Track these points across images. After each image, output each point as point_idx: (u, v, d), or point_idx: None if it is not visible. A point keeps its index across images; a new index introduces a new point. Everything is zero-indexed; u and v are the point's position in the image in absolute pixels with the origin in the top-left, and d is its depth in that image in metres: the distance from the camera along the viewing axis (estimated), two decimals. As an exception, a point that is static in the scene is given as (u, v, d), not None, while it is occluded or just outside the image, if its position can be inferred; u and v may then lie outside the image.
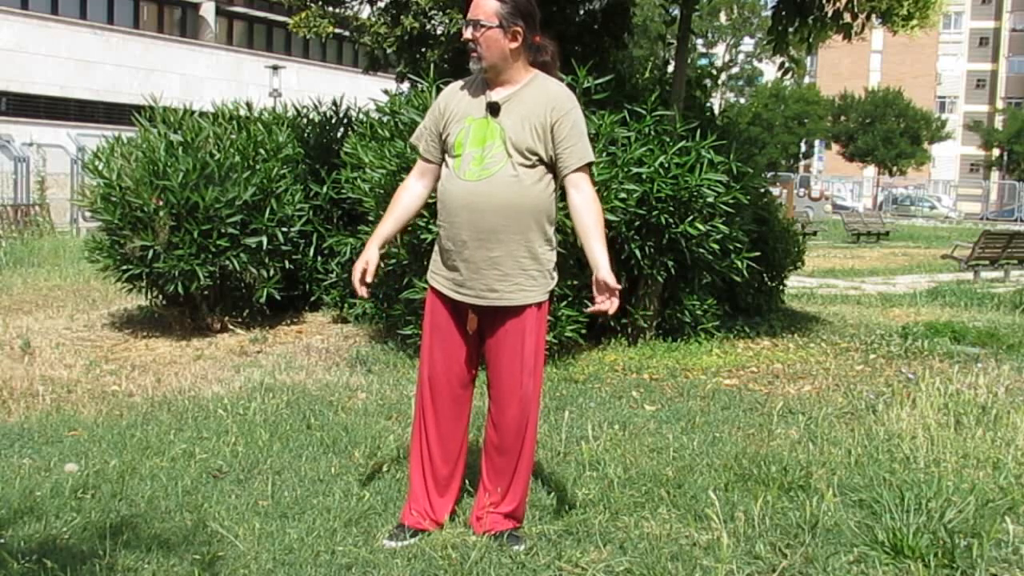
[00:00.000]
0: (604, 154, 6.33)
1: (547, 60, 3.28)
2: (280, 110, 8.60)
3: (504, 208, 3.14)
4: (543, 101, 3.18)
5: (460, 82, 3.34)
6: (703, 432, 4.79)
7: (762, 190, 8.28)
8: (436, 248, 3.35)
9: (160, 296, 7.32)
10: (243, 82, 31.06)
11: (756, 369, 6.48)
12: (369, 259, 3.32)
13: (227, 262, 6.93)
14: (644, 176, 6.48)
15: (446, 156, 3.28)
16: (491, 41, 3.14)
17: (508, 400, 3.26)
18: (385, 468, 4.04)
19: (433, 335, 3.33)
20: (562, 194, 3.28)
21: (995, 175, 60.75)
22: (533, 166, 3.17)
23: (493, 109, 3.18)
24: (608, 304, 3.11)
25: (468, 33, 3.17)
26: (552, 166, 3.22)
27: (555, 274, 3.31)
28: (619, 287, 3.12)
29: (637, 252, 6.59)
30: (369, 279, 3.31)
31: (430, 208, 6.05)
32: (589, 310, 3.18)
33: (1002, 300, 11.08)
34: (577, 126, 3.20)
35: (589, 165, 3.24)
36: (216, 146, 7.08)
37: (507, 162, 3.15)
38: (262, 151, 7.38)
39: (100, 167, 7.00)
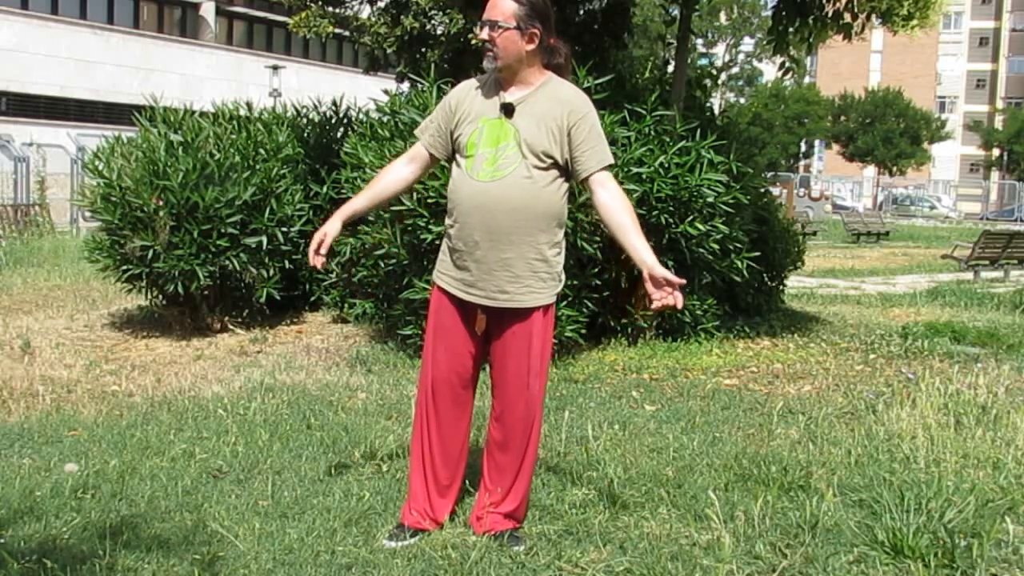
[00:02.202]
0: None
1: (561, 63, 3.27)
2: (280, 110, 8.60)
3: (517, 209, 3.12)
4: (559, 104, 3.16)
5: (473, 81, 3.31)
6: (703, 432, 4.79)
7: (762, 190, 8.28)
8: (444, 248, 3.31)
9: (160, 296, 7.32)
10: (243, 82, 31.07)
11: (756, 369, 6.48)
12: (328, 231, 3.27)
13: (227, 262, 6.93)
14: (644, 176, 6.48)
15: (457, 156, 3.25)
16: (508, 42, 3.12)
17: (514, 402, 3.24)
18: (385, 468, 4.04)
19: (437, 335, 3.30)
20: (570, 197, 3.28)
21: (995, 175, 60.77)
22: (547, 168, 3.16)
23: (507, 110, 3.16)
24: (672, 298, 3.06)
25: (484, 34, 3.14)
26: (565, 169, 3.20)
27: (563, 276, 3.30)
28: (681, 281, 3.07)
29: (637, 252, 6.58)
30: (324, 250, 3.27)
31: (430, 208, 6.10)
32: (654, 307, 3.14)
33: (1002, 300, 11.07)
34: (595, 128, 3.19)
35: (609, 167, 3.22)
36: (216, 146, 7.08)
37: (521, 163, 3.13)
38: (262, 151, 7.38)
39: (100, 167, 7.00)
